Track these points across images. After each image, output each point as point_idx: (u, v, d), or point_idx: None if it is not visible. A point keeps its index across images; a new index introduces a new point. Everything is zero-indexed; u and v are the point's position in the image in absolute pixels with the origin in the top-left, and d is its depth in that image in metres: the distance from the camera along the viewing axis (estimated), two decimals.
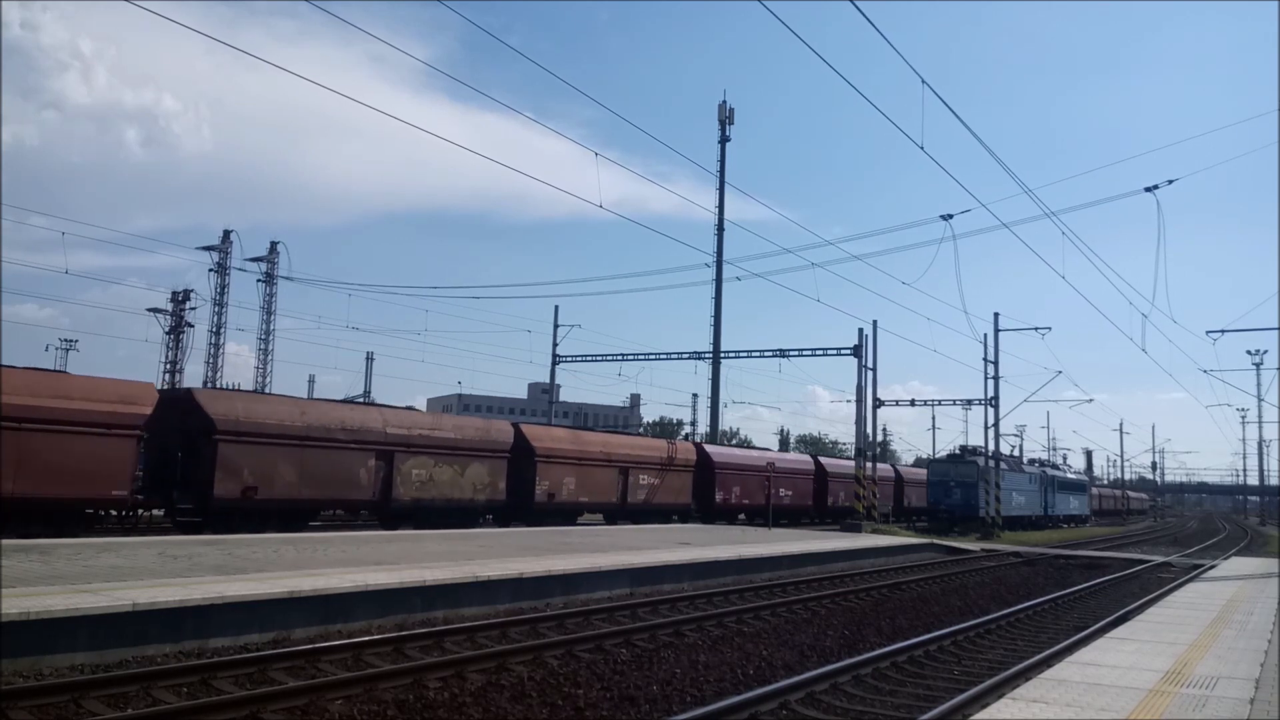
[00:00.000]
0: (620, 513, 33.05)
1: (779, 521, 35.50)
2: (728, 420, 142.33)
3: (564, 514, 30.23)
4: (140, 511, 20.57)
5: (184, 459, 20.68)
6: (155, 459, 20.85)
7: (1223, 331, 35.09)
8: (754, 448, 56.96)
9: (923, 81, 16.81)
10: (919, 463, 70.77)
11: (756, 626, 13.29)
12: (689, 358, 48.48)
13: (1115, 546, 40.32)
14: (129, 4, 12.35)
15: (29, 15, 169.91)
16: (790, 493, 41.15)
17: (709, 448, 38.62)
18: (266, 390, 55.88)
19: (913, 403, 67.26)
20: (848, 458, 59.71)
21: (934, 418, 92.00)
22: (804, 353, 43.01)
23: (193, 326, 54.30)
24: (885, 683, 10.05)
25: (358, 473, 23.39)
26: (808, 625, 13.75)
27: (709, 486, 36.76)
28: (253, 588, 10.66)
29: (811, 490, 43.31)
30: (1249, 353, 70.52)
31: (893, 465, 61.04)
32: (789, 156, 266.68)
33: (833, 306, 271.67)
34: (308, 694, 8.10)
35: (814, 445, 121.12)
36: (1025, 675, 9.65)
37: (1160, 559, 30.40)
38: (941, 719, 8.18)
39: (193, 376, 62.44)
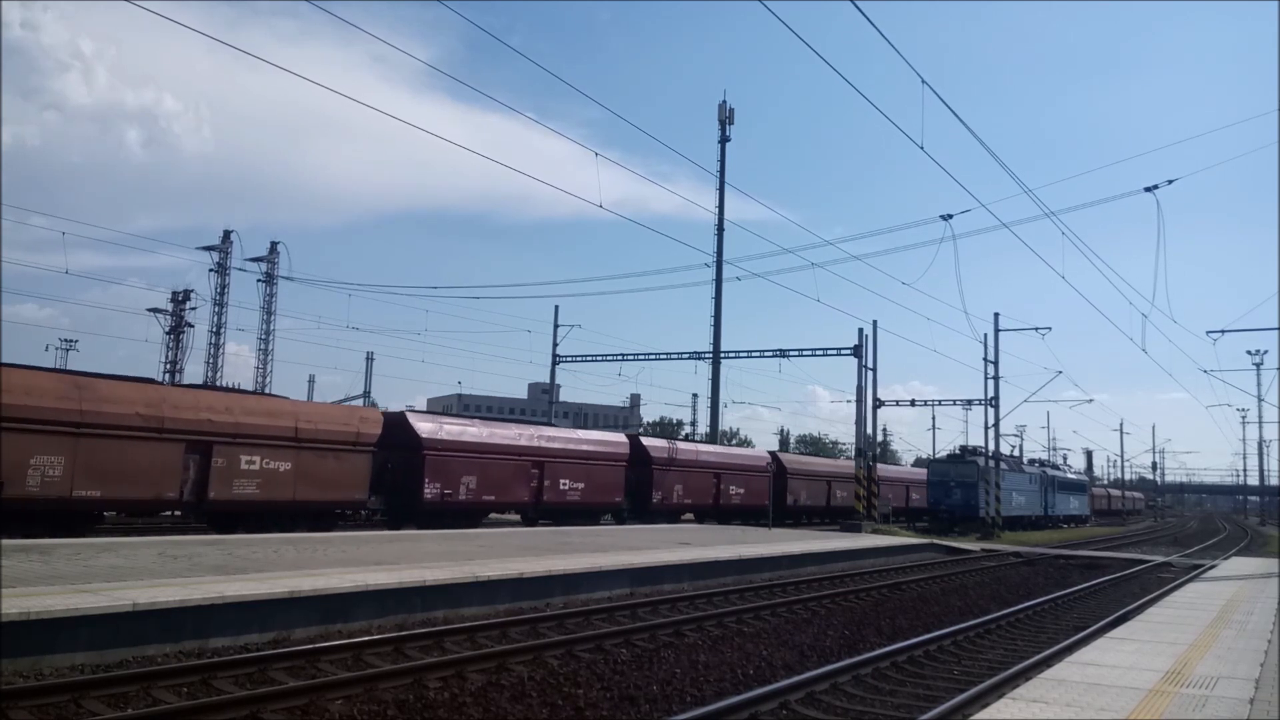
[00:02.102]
0: (196, 510, 21.67)
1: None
2: (728, 420, 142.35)
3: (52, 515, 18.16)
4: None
5: None
6: None
7: (1223, 331, 35.17)
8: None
9: (923, 81, 16.82)
10: (919, 463, 70.74)
11: (756, 626, 13.29)
12: (689, 358, 48.50)
13: (1115, 546, 40.32)
14: (130, 4, 12.36)
15: (30, 15, 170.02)
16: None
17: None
18: (267, 391, 55.93)
19: (913, 403, 67.35)
20: (848, 458, 59.68)
21: (934, 418, 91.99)
22: (804, 353, 43.03)
23: (193, 326, 54.32)
24: (885, 683, 10.05)
25: None
26: (808, 625, 13.75)
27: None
28: (253, 588, 10.66)
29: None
30: (1249, 353, 70.58)
31: (865, 464, 61.56)
32: (789, 156, 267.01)
33: (833, 306, 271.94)
34: (308, 694, 8.11)
35: (814, 445, 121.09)
36: (1025, 675, 9.65)
37: (1160, 559, 30.39)
38: (941, 719, 8.18)
39: (193, 376, 62.48)
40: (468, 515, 27.21)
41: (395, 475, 25.38)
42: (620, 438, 34.67)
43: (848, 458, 62.31)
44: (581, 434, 32.84)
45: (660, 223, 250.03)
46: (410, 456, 25.53)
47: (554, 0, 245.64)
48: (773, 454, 42.17)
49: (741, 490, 38.41)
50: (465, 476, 26.61)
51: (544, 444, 29.79)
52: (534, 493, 28.80)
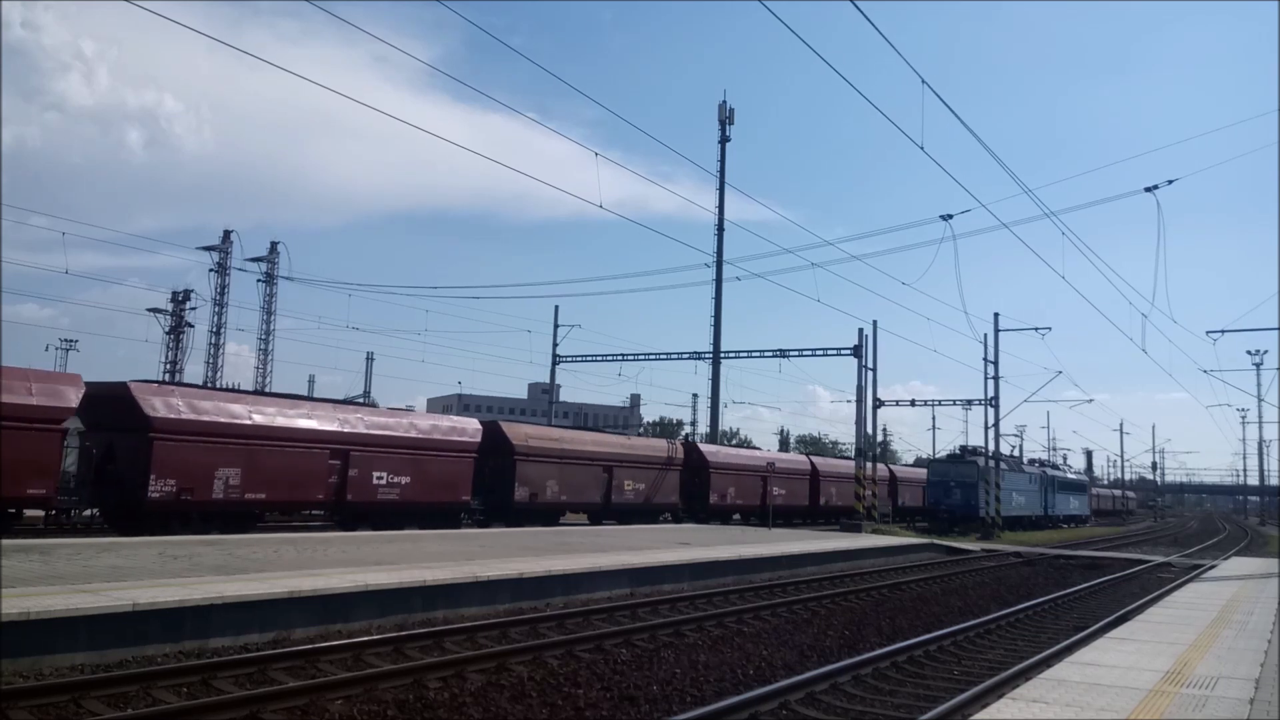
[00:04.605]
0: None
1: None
2: (728, 420, 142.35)
3: None
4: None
5: None
6: None
7: (1223, 331, 35.20)
8: None
9: (923, 81, 16.82)
10: (919, 463, 70.69)
11: (756, 626, 13.29)
12: (689, 358, 48.52)
13: (1115, 547, 40.32)
14: (131, 4, 12.36)
15: (31, 16, 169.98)
16: None
17: None
18: (267, 391, 55.90)
19: (913, 403, 67.20)
20: (848, 457, 59.64)
21: (934, 418, 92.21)
22: (804, 353, 43.02)
23: (193, 326, 54.33)
24: (885, 683, 10.05)
25: None
26: (808, 625, 13.75)
27: None
28: (253, 588, 10.65)
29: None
30: (1249, 353, 70.69)
31: (888, 465, 60.60)
32: (789, 157, 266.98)
33: (833, 306, 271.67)
34: (308, 694, 8.11)
35: (814, 445, 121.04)
36: (1025, 675, 9.66)
37: (1160, 559, 30.40)
38: (941, 719, 8.18)
39: (193, 376, 62.47)
40: None
41: None
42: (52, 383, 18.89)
43: (847, 456, 62.28)
44: None
45: (661, 223, 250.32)
46: None
47: (555, 0, 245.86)
48: (488, 425, 28.87)
49: (406, 480, 24.87)
50: None
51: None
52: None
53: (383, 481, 24.36)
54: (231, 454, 20.89)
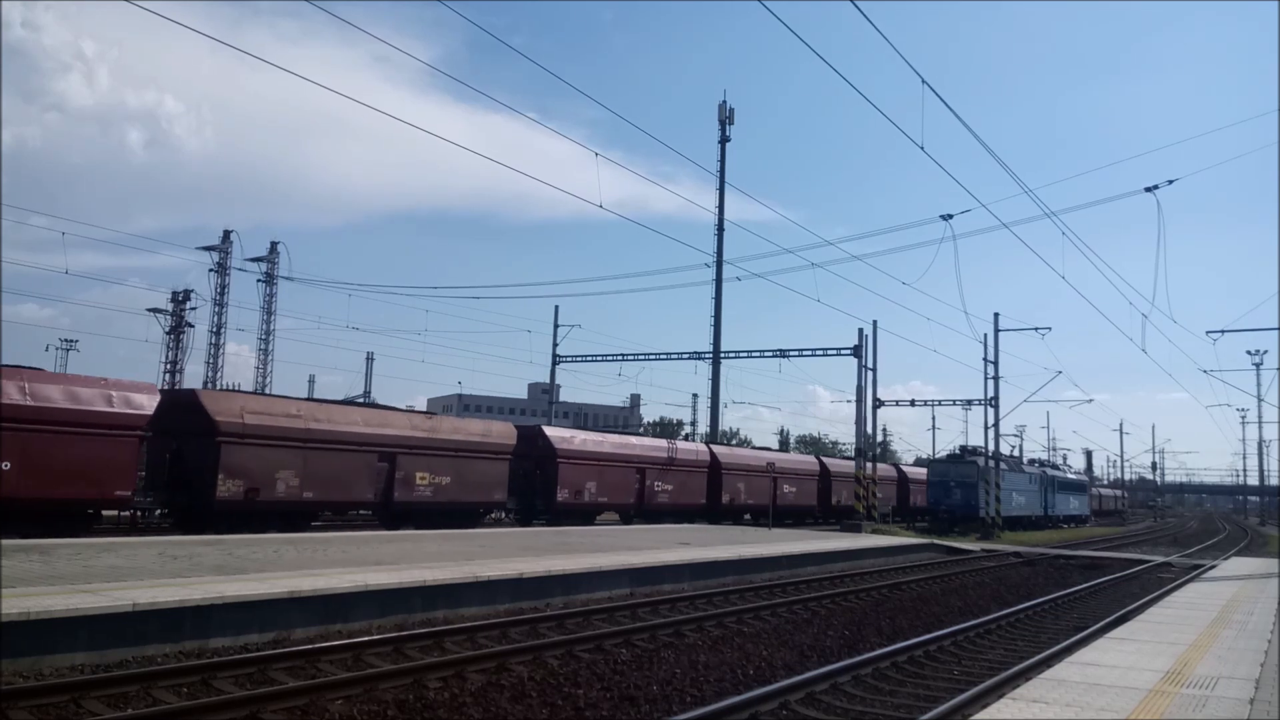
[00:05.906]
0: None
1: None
2: (728, 420, 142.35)
3: None
4: None
5: None
6: None
7: (1223, 331, 35.17)
8: None
9: (923, 81, 16.82)
10: (919, 463, 70.67)
11: (756, 626, 13.29)
12: (689, 358, 48.62)
13: (1115, 547, 40.33)
14: (132, 5, 12.36)
15: (31, 16, 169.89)
16: None
17: None
18: (267, 391, 55.90)
19: (913, 403, 67.26)
20: (848, 457, 59.61)
21: (934, 418, 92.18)
22: (804, 353, 43.05)
23: (193, 326, 54.20)
24: (885, 683, 10.05)
25: None
26: (808, 625, 13.75)
27: None
28: (253, 588, 10.66)
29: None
30: (1249, 353, 70.73)
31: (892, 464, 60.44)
32: (790, 157, 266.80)
33: (833, 306, 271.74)
34: (308, 694, 8.11)
35: (814, 445, 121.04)
36: (1025, 675, 9.66)
37: (1160, 559, 30.40)
38: (941, 719, 8.18)
39: (193, 376, 62.56)
40: None
41: None
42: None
43: (847, 456, 62.24)
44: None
45: (661, 223, 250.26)
46: None
47: (555, 0, 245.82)
48: (178, 395, 23.96)
49: (4, 467, 18.58)
50: None
51: None
52: None
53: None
54: None
